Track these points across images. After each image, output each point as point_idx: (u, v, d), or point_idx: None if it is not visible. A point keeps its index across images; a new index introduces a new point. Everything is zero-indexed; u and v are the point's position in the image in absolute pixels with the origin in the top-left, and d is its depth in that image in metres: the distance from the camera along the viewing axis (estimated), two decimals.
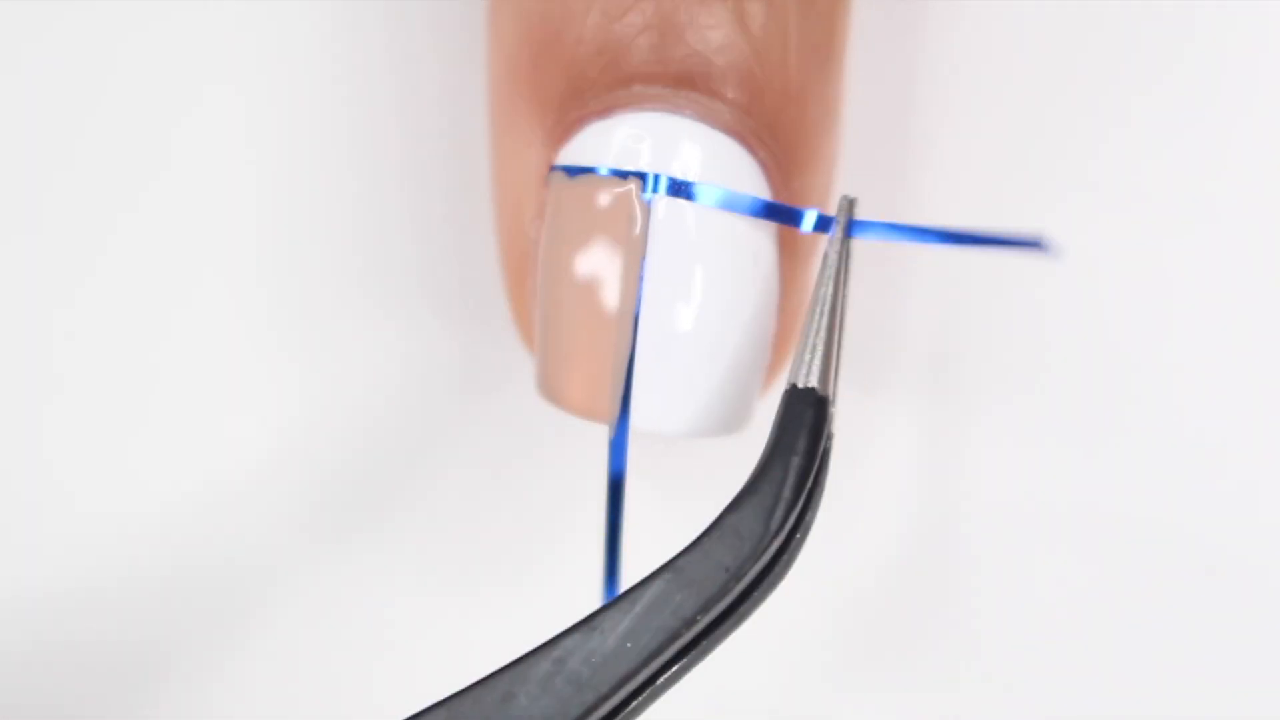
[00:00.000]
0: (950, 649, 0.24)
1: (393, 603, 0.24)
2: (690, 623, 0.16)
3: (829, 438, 0.17)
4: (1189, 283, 0.23)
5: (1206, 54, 0.23)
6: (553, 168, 0.19)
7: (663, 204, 0.19)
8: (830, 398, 0.17)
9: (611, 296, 0.19)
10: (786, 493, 0.17)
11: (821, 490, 0.17)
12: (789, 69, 0.19)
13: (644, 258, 0.19)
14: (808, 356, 0.17)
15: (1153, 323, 0.23)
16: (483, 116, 0.21)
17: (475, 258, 0.23)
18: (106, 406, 0.24)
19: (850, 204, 0.18)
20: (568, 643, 0.16)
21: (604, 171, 0.19)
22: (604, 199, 0.19)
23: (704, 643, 0.17)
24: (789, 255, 0.20)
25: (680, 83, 0.19)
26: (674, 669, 0.16)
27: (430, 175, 0.23)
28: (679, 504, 0.23)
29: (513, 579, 0.24)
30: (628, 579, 0.20)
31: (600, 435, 0.19)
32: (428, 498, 0.24)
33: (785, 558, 0.17)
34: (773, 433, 0.17)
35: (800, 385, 0.17)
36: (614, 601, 0.16)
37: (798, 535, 0.17)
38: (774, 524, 0.17)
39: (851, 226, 0.18)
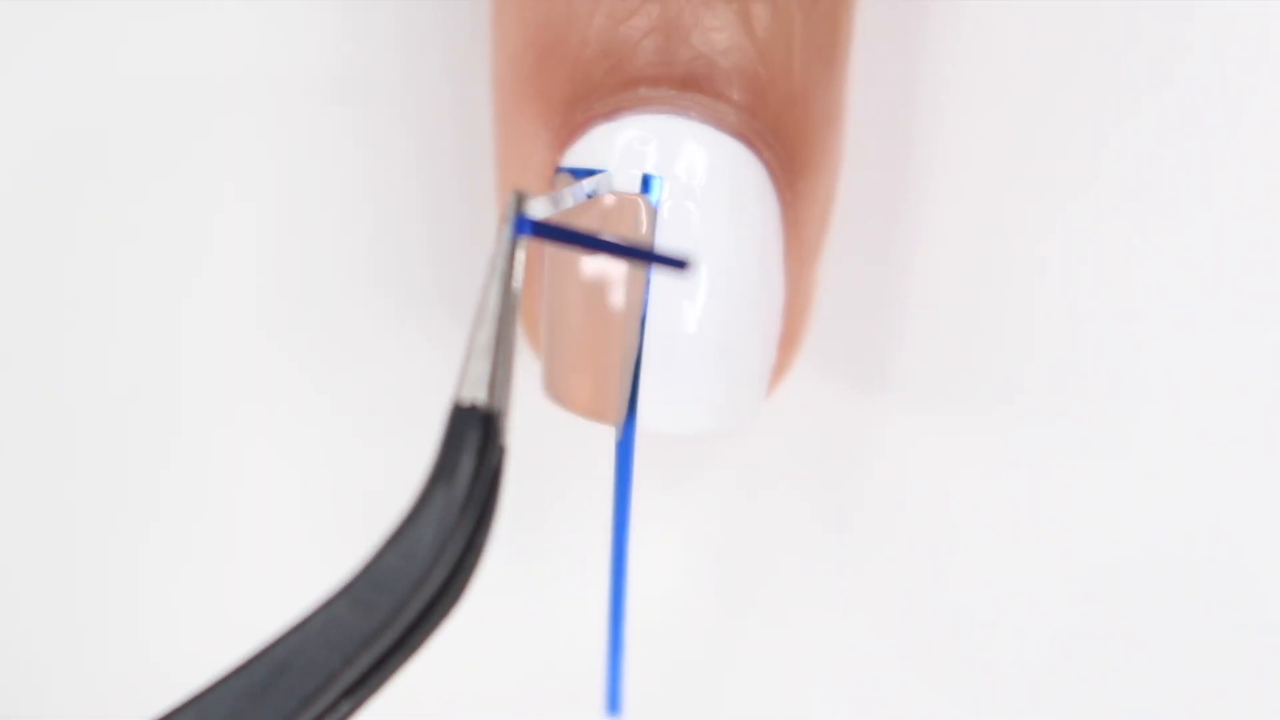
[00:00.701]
0: (948, 648, 0.24)
1: None
2: (350, 661, 0.14)
3: (500, 452, 0.15)
4: (1191, 284, 0.23)
5: (1209, 54, 0.23)
6: (558, 170, 0.19)
7: (668, 206, 0.19)
8: (500, 411, 0.15)
9: (618, 298, 0.19)
10: (449, 521, 0.15)
11: (494, 511, 0.15)
12: (793, 71, 0.19)
13: None
14: (474, 368, 0.15)
15: (1154, 324, 0.23)
16: (488, 119, 0.21)
17: (481, 260, 0.23)
18: (109, 413, 0.24)
19: (519, 199, 0.16)
20: (211, 696, 0.14)
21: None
22: (610, 201, 0.19)
23: (367, 684, 0.15)
24: (794, 255, 0.20)
25: (685, 85, 0.19)
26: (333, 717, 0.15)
27: (435, 177, 0.23)
28: (686, 504, 0.23)
29: (518, 581, 0.24)
30: (635, 580, 0.20)
31: (607, 437, 0.19)
32: None
33: (454, 588, 0.15)
34: (434, 455, 0.15)
35: (465, 401, 0.15)
36: (260, 651, 0.14)
37: (467, 561, 0.15)
38: (433, 556, 0.15)
39: (519, 224, 0.16)
